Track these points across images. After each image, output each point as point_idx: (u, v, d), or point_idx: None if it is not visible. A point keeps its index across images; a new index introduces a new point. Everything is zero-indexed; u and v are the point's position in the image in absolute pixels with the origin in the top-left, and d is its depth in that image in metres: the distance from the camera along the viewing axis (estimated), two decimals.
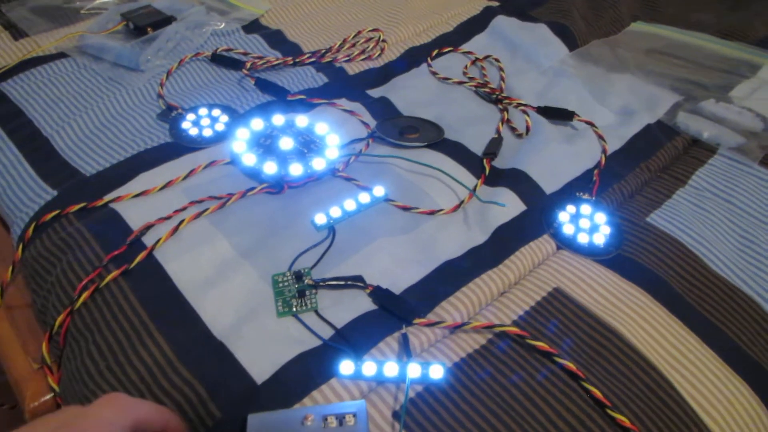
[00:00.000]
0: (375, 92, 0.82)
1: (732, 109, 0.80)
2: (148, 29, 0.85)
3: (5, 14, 0.88)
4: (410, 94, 0.81)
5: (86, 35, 0.83)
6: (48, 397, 0.54)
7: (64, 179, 0.65)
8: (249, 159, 0.65)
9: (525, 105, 0.79)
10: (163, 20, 0.86)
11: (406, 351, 0.49)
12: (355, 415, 0.41)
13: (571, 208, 0.65)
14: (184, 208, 0.61)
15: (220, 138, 0.70)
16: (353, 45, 0.89)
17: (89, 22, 0.88)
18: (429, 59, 0.88)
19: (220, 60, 0.83)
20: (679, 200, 0.69)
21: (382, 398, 0.47)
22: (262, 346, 0.50)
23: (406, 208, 0.63)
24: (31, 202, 0.63)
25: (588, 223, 0.63)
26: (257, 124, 0.69)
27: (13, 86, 0.76)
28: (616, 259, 0.61)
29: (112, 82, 0.79)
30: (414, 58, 0.89)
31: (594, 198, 0.67)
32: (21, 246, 0.60)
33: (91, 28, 0.86)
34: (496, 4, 1.04)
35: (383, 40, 0.91)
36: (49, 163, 0.67)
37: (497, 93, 0.81)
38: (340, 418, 0.41)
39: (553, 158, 0.71)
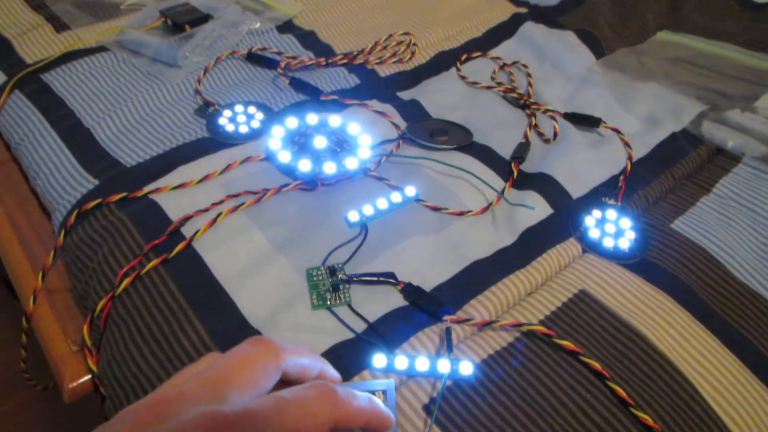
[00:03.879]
0: (405, 94, 0.84)
1: (757, 119, 0.81)
2: (186, 26, 0.87)
3: (49, 7, 0.90)
4: (440, 97, 0.83)
5: (126, 30, 0.86)
6: (86, 378, 0.56)
7: (105, 169, 0.67)
8: (284, 156, 0.67)
9: (552, 111, 0.81)
10: (200, 18, 0.88)
11: (448, 345, 0.51)
12: (384, 393, 0.43)
13: (597, 213, 0.66)
14: (221, 201, 0.63)
15: (255, 135, 0.72)
16: (384, 48, 0.91)
17: (129, 18, 0.90)
18: (458, 63, 0.90)
19: (255, 58, 0.85)
20: (703, 208, 0.70)
21: (413, 391, 0.49)
22: (298, 337, 0.52)
23: (436, 209, 0.65)
24: (73, 190, 0.65)
25: (613, 228, 0.65)
26: (292, 122, 0.71)
27: (55, 77, 0.79)
28: (640, 263, 0.62)
29: (151, 76, 0.81)
30: (443, 62, 0.91)
31: (619, 203, 0.68)
32: (63, 232, 0.62)
33: (131, 24, 0.88)
34: (525, 10, 1.05)
35: (414, 44, 0.92)
36: (90, 153, 0.69)
37: (525, 98, 0.83)
38: (370, 394, 0.43)
39: (580, 163, 0.73)
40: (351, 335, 0.53)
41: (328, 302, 0.55)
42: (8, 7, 0.90)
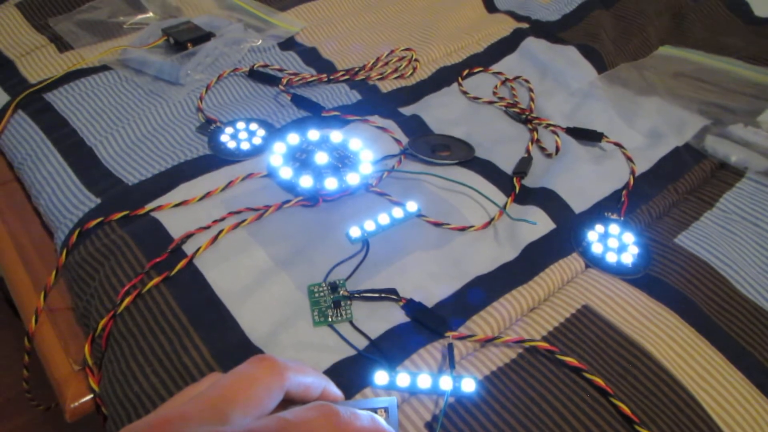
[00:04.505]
0: (407, 110, 0.84)
1: (760, 133, 0.80)
2: (188, 44, 0.87)
3: (52, 28, 0.91)
4: (441, 112, 0.83)
5: (128, 49, 0.86)
6: (88, 398, 0.56)
7: (107, 188, 0.67)
8: (285, 172, 0.67)
9: (554, 125, 0.81)
10: (202, 36, 0.89)
11: (450, 361, 0.50)
12: (386, 410, 0.43)
13: (599, 228, 0.66)
14: (222, 219, 0.63)
15: (257, 151, 0.72)
16: (386, 63, 0.91)
17: (132, 37, 0.91)
18: (460, 79, 0.90)
19: (257, 76, 0.86)
20: (707, 222, 0.70)
21: (415, 409, 0.49)
22: (299, 355, 0.51)
23: (437, 224, 0.65)
24: (75, 209, 0.65)
25: (616, 243, 0.64)
26: (293, 138, 0.71)
27: (58, 97, 0.79)
28: (644, 278, 0.62)
29: (153, 95, 0.81)
30: (445, 77, 0.91)
31: (622, 218, 0.68)
32: (65, 251, 0.62)
33: (134, 43, 0.89)
34: (526, 26, 1.06)
35: (416, 60, 0.92)
36: (92, 172, 0.69)
37: (527, 113, 0.83)
38: (372, 413, 0.43)
39: (582, 178, 0.73)
40: (353, 352, 0.52)
41: (330, 319, 0.54)
42: (12, 28, 0.91)
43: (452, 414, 0.48)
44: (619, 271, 0.62)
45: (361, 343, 0.53)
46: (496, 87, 0.89)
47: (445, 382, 0.49)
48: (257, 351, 0.52)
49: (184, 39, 0.87)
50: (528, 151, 0.76)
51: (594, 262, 0.63)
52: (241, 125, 0.75)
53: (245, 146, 0.72)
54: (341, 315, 0.55)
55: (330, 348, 0.53)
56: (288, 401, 0.36)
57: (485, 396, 0.50)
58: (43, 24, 0.92)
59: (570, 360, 0.52)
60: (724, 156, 0.79)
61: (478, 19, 1.09)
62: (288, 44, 0.96)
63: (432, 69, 0.93)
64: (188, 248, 0.60)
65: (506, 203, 0.68)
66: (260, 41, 0.93)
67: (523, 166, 0.73)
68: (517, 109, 0.84)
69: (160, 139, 0.74)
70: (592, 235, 0.65)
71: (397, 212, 0.65)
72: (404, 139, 0.76)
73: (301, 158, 0.69)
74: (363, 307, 0.56)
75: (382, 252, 0.61)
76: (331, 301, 0.56)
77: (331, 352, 0.52)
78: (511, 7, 1.13)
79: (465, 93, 0.88)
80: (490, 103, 0.86)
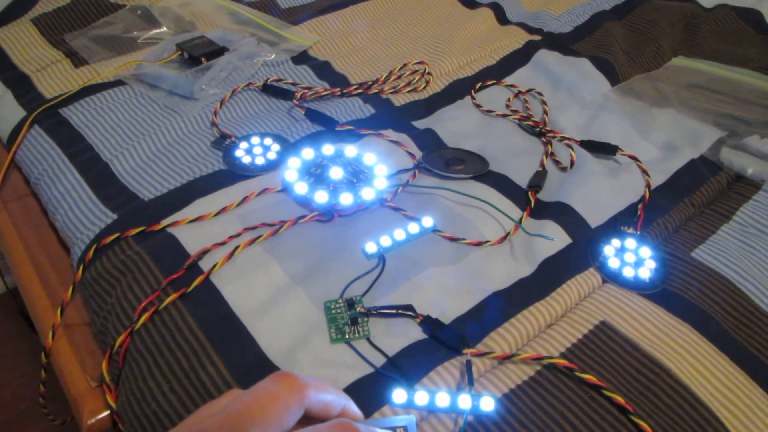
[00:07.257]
0: (420, 123, 0.84)
1: None
2: (202, 59, 0.88)
3: (68, 43, 0.91)
4: (455, 126, 0.83)
5: (143, 64, 0.87)
6: (105, 414, 0.55)
7: (123, 203, 0.67)
8: (300, 188, 0.67)
9: (568, 138, 0.80)
10: (216, 51, 0.89)
11: (469, 378, 0.50)
12: (405, 429, 0.42)
13: (616, 242, 0.66)
14: (238, 234, 0.63)
15: (272, 166, 0.72)
16: (399, 77, 0.91)
17: (146, 52, 0.92)
18: (473, 92, 0.90)
19: (270, 90, 0.86)
20: (724, 236, 0.69)
21: (434, 427, 0.48)
22: (318, 372, 0.51)
23: (453, 239, 0.65)
24: (92, 224, 0.65)
25: (633, 257, 0.64)
26: (308, 153, 0.71)
27: (74, 112, 0.79)
28: (662, 293, 0.61)
29: (168, 109, 0.81)
30: (458, 90, 0.91)
31: (639, 232, 0.67)
32: (81, 267, 0.62)
33: (148, 57, 0.89)
34: (538, 38, 1.05)
35: (428, 73, 0.92)
36: (108, 188, 0.69)
37: (540, 126, 0.82)
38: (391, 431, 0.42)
39: (598, 192, 0.72)
40: (370, 370, 0.52)
41: (347, 336, 0.54)
42: (28, 44, 0.92)
43: None
44: (636, 286, 0.62)
45: (379, 360, 0.53)
46: (509, 100, 0.89)
47: (464, 401, 0.48)
48: (275, 368, 0.52)
49: (198, 54, 0.88)
50: (542, 164, 0.76)
51: (611, 277, 0.63)
52: (255, 140, 0.75)
53: (260, 161, 0.73)
54: (358, 332, 0.54)
55: (348, 365, 0.52)
56: (308, 419, 0.36)
57: (504, 414, 0.49)
58: (58, 39, 0.93)
59: (589, 377, 0.51)
60: (741, 168, 0.79)
61: (490, 31, 1.09)
62: (301, 58, 0.96)
63: (445, 82, 0.93)
64: (205, 264, 0.60)
65: (522, 218, 0.68)
66: (273, 55, 0.93)
67: (538, 179, 0.73)
68: (530, 122, 0.84)
69: (175, 154, 0.74)
70: (609, 250, 0.65)
71: (413, 227, 0.64)
72: (418, 153, 0.76)
73: (315, 173, 0.69)
74: (380, 324, 0.56)
75: (398, 267, 0.61)
76: (348, 317, 0.55)
77: (349, 370, 0.52)
78: (523, 19, 1.13)
79: (478, 106, 0.88)
80: (504, 116, 0.86)
